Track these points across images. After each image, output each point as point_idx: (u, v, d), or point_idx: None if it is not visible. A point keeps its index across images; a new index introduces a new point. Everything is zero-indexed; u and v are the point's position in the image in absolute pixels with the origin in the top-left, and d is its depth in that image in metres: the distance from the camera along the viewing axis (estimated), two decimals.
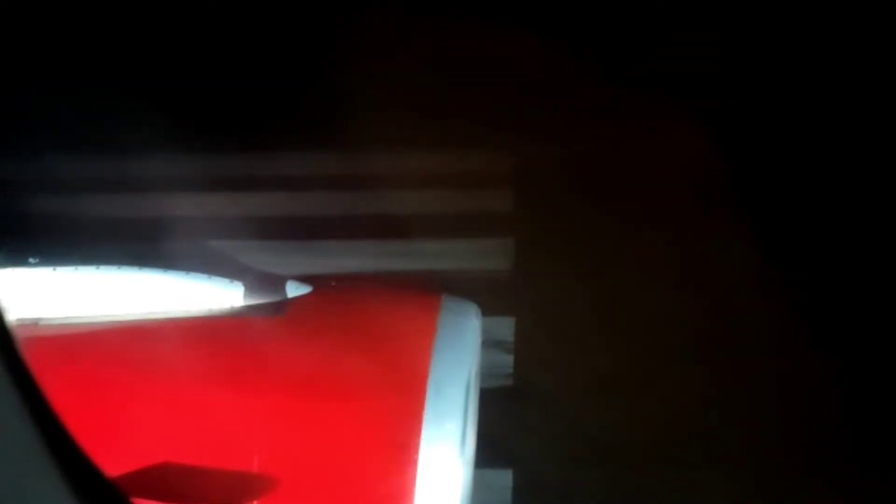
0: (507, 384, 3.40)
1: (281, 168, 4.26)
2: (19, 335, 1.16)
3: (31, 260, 2.10)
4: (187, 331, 2.06)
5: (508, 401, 3.30)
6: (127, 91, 4.25)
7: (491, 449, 2.31)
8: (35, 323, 2.06)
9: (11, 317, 1.18)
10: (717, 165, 4.23)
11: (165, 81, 4.48)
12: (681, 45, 4.72)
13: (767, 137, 4.43)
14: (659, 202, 4.09)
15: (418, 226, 3.93)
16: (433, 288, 2.23)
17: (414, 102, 4.37)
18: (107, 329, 2.08)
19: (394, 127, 4.21)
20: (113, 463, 1.62)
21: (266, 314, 2.10)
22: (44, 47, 4.61)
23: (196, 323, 2.07)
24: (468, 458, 1.93)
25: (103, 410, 1.89)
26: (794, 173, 4.24)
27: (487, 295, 2.39)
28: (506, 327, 3.55)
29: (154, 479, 1.78)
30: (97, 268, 2.11)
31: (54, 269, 2.10)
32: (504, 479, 3.08)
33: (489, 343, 2.37)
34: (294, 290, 2.16)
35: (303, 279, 2.19)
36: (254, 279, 2.16)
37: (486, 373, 2.21)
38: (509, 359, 3.48)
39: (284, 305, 2.12)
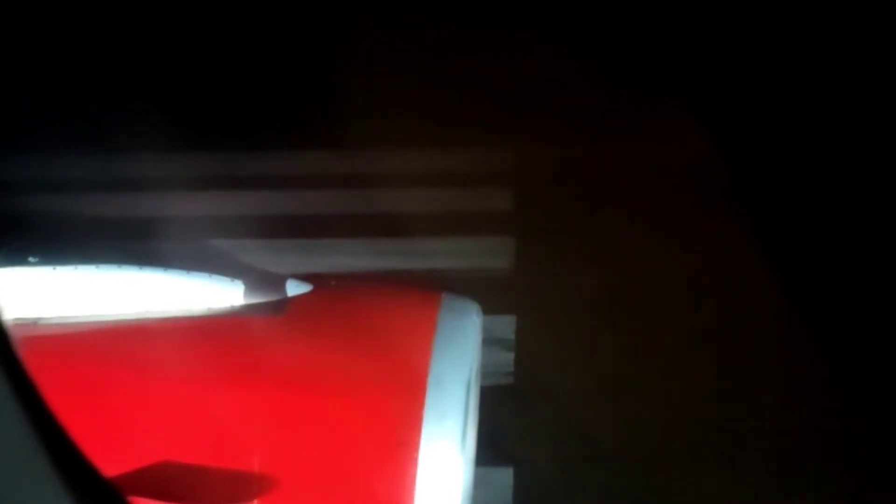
0: (508, 382, 3.40)
1: (281, 167, 4.26)
2: (18, 335, 1.16)
3: (30, 260, 2.10)
4: (187, 330, 2.07)
5: (509, 399, 3.29)
6: (127, 91, 4.25)
7: (491, 447, 2.31)
8: (34, 322, 2.06)
9: (10, 316, 1.18)
10: (717, 165, 4.23)
11: (165, 81, 4.48)
12: (681, 45, 4.72)
13: (767, 137, 4.44)
14: (659, 201, 4.10)
15: (419, 224, 3.93)
16: (434, 286, 2.23)
17: (414, 102, 4.38)
18: (106, 328, 2.08)
19: (394, 126, 4.21)
20: (113, 462, 1.62)
21: (266, 313, 2.10)
22: (44, 47, 4.61)
23: (196, 322, 2.07)
24: (469, 456, 1.93)
25: (103, 410, 1.89)
26: (794, 173, 4.24)
27: (488, 293, 2.39)
28: (506, 325, 3.55)
29: (154, 478, 1.78)
30: (97, 267, 2.11)
31: (54, 269, 2.09)
32: (505, 477, 3.08)
33: (489, 341, 2.36)
34: (294, 288, 2.16)
35: (303, 278, 2.19)
36: (254, 278, 2.15)
37: (486, 371, 2.21)
38: (510, 357, 3.48)
39: (285, 304, 2.12)
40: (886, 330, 3.56)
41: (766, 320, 3.63)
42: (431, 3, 4.81)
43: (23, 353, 1.15)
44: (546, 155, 4.32)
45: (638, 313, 3.65)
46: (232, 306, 2.10)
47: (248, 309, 2.10)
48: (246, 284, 2.12)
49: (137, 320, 2.08)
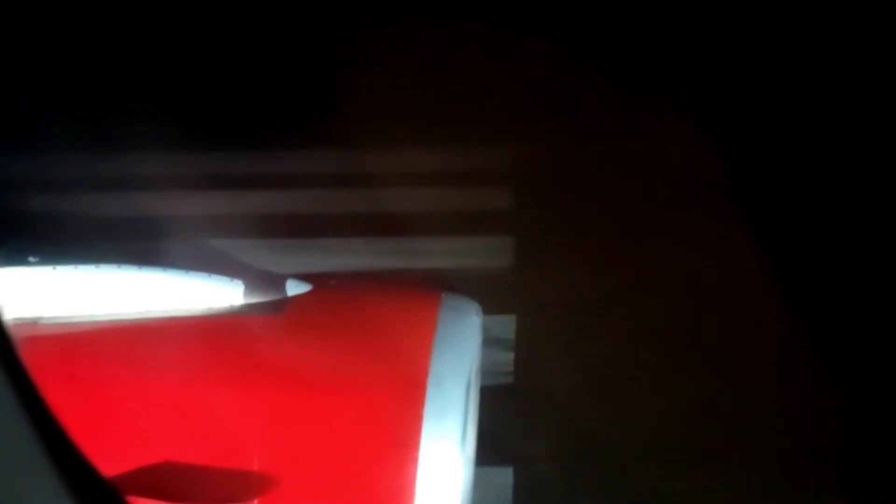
0: (508, 382, 3.40)
1: (281, 167, 4.26)
2: (18, 335, 1.16)
3: (30, 259, 2.10)
4: (187, 329, 2.06)
5: (508, 399, 3.29)
6: (127, 91, 4.26)
7: (491, 447, 2.31)
8: (34, 322, 2.06)
9: (10, 316, 1.18)
10: (717, 165, 4.22)
11: (165, 81, 4.48)
12: (681, 45, 4.72)
13: (767, 137, 4.43)
14: (659, 201, 4.10)
15: (419, 224, 3.93)
16: (433, 286, 2.23)
17: (414, 101, 4.38)
18: (106, 328, 2.08)
19: (394, 125, 4.21)
20: (113, 462, 1.63)
21: (266, 313, 2.10)
22: (44, 47, 4.61)
23: (196, 322, 2.07)
24: (468, 455, 1.93)
25: (104, 409, 1.89)
26: (793, 173, 4.24)
27: (487, 293, 2.39)
28: (506, 325, 3.55)
29: (154, 478, 1.78)
30: (97, 267, 2.11)
31: (54, 269, 2.09)
32: (504, 476, 3.08)
33: (489, 341, 2.36)
34: (294, 288, 2.16)
35: (303, 278, 2.19)
36: (254, 278, 2.15)
37: (486, 370, 2.21)
38: (509, 356, 3.48)
39: (284, 304, 2.12)
40: (886, 330, 3.56)
41: (766, 320, 3.62)
42: (431, 3, 4.81)
43: (23, 353, 1.15)
44: (546, 154, 4.32)
45: (637, 313, 3.65)
46: (232, 306, 2.10)
47: (247, 309, 2.10)
48: (246, 284, 2.12)
49: (137, 320, 2.08)
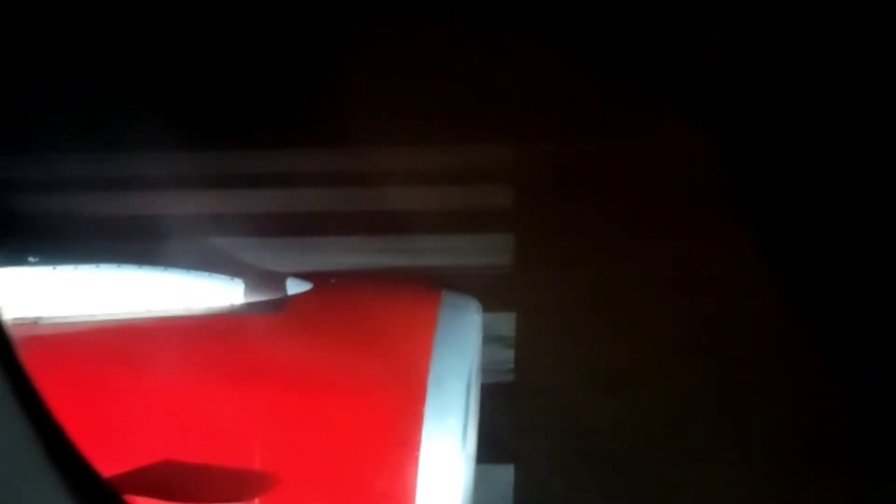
0: (508, 380, 3.40)
1: (281, 166, 4.26)
2: (18, 334, 1.16)
3: (30, 259, 2.10)
4: (188, 329, 2.06)
5: (509, 396, 3.29)
6: (127, 91, 4.26)
7: (492, 445, 2.31)
8: (35, 322, 2.05)
9: (10, 316, 1.18)
10: (717, 164, 4.23)
11: (165, 81, 4.49)
12: (681, 45, 4.73)
13: (767, 137, 4.44)
14: (659, 200, 4.10)
15: (419, 222, 3.93)
16: (434, 284, 2.22)
17: (414, 101, 4.38)
18: (107, 328, 2.07)
19: (394, 125, 4.22)
20: (114, 461, 1.62)
21: (266, 311, 2.10)
22: (44, 47, 4.62)
23: (196, 321, 2.07)
24: (469, 453, 1.93)
25: (103, 410, 1.88)
26: (793, 173, 4.25)
27: (487, 291, 2.39)
28: (506, 323, 3.55)
29: (154, 478, 1.77)
30: (97, 267, 2.11)
31: (54, 269, 2.09)
32: (505, 474, 3.08)
33: (489, 339, 2.36)
34: (294, 287, 2.15)
35: (303, 276, 2.19)
36: (254, 276, 2.15)
37: (486, 368, 2.20)
38: (510, 354, 3.48)
39: (285, 302, 2.12)
40: (886, 330, 3.56)
41: (766, 319, 3.62)
42: (431, 3, 4.81)
43: (23, 353, 1.15)
44: (546, 153, 4.33)
45: (637, 311, 3.65)
46: (232, 305, 2.09)
47: (248, 307, 2.10)
48: (246, 283, 2.12)
49: (137, 320, 2.08)
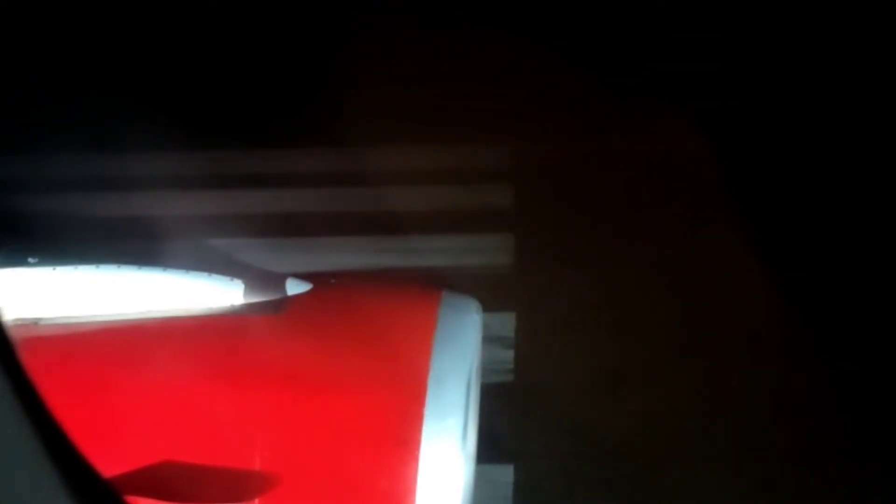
0: (508, 380, 3.40)
1: (280, 166, 4.26)
2: (18, 335, 1.16)
3: (30, 260, 2.10)
4: (187, 330, 2.06)
5: (509, 397, 3.29)
6: (127, 91, 4.26)
7: (492, 445, 2.31)
8: (35, 323, 2.06)
9: (10, 317, 1.18)
10: (717, 164, 4.23)
11: (165, 81, 4.48)
12: (681, 45, 4.72)
13: (767, 137, 4.43)
14: (659, 200, 4.10)
15: (418, 222, 3.93)
16: (433, 284, 2.22)
17: (414, 100, 4.38)
18: (106, 329, 2.08)
19: (394, 124, 4.21)
20: (114, 462, 1.62)
21: (266, 312, 2.10)
22: (43, 47, 4.61)
23: (196, 322, 2.07)
24: (469, 453, 1.93)
25: (103, 410, 1.89)
26: (793, 173, 4.24)
27: (487, 290, 2.39)
28: (506, 323, 3.55)
29: (154, 478, 1.77)
30: (97, 267, 2.11)
31: (54, 269, 2.09)
32: (505, 474, 3.08)
33: (490, 339, 2.36)
34: (294, 287, 2.15)
35: (302, 277, 2.19)
36: (253, 277, 2.15)
37: (486, 368, 2.20)
38: (510, 354, 3.48)
39: (284, 303, 2.12)
40: (886, 330, 3.56)
41: (766, 319, 3.62)
42: (431, 3, 4.81)
43: (23, 354, 1.15)
44: (545, 153, 4.33)
45: (637, 311, 3.65)
46: (231, 305, 2.10)
47: (247, 308, 2.10)
48: (245, 283, 2.12)
49: (137, 320, 2.08)
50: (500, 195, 4.15)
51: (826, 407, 3.32)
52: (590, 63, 4.61)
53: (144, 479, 1.76)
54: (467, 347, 2.00)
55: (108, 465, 1.35)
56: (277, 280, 2.16)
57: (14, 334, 1.16)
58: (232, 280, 2.12)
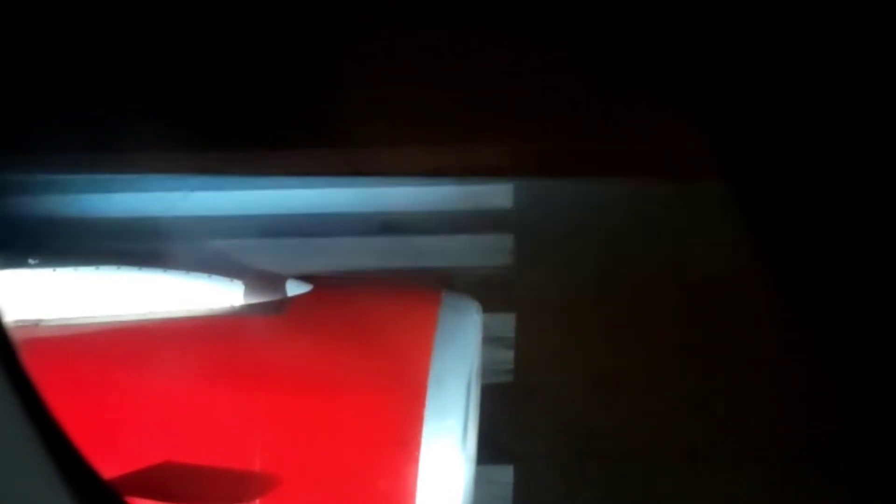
0: (508, 381, 3.40)
1: (280, 166, 4.26)
2: (19, 337, 1.17)
3: (30, 261, 2.10)
4: (187, 331, 2.06)
5: (509, 397, 3.29)
6: (127, 91, 4.26)
7: (492, 445, 2.31)
8: (35, 324, 2.05)
9: (11, 318, 1.18)
10: (717, 164, 4.23)
11: (165, 81, 4.49)
12: (681, 45, 4.73)
13: (767, 137, 4.44)
14: (659, 200, 4.10)
15: (419, 223, 3.93)
16: (433, 285, 2.23)
17: (414, 101, 4.39)
18: (107, 330, 2.07)
19: (394, 125, 4.22)
20: (114, 463, 1.62)
21: (266, 313, 2.10)
22: (43, 47, 4.62)
23: (196, 323, 2.07)
24: (469, 454, 1.93)
25: (104, 411, 1.88)
26: (793, 173, 4.24)
27: (487, 291, 2.40)
28: (506, 323, 3.55)
29: (154, 478, 1.77)
30: (97, 269, 2.10)
31: (54, 270, 2.09)
32: (505, 475, 3.08)
33: (490, 339, 2.36)
34: (294, 288, 2.15)
35: (303, 278, 2.19)
36: (253, 278, 2.15)
37: (486, 369, 2.20)
38: (510, 355, 3.48)
39: (284, 304, 2.11)
40: (886, 330, 3.56)
41: (766, 319, 3.63)
42: (431, 4, 4.82)
43: (23, 355, 1.16)
44: (545, 153, 4.33)
45: (637, 311, 3.65)
46: (232, 306, 2.09)
47: (247, 309, 2.10)
48: (245, 285, 2.11)
49: (138, 321, 2.08)
50: (501, 195, 4.15)
51: (826, 407, 3.32)
52: (590, 63, 4.62)
53: (145, 480, 1.76)
54: (467, 348, 2.00)
55: (109, 466, 1.35)
56: (278, 281, 2.16)
57: (15, 336, 1.16)
58: (232, 281, 2.11)
